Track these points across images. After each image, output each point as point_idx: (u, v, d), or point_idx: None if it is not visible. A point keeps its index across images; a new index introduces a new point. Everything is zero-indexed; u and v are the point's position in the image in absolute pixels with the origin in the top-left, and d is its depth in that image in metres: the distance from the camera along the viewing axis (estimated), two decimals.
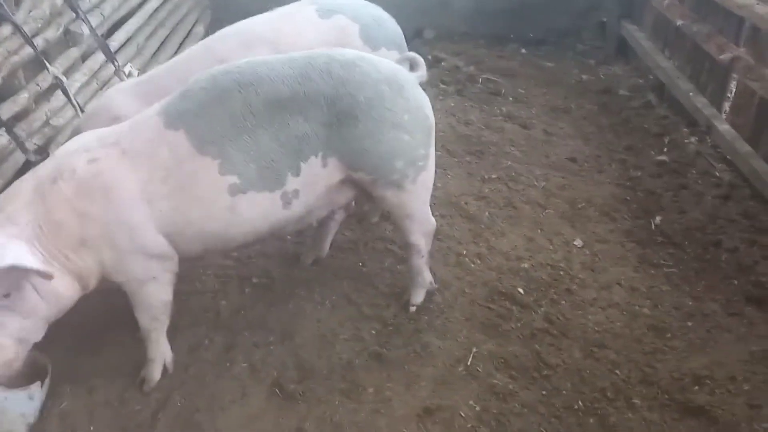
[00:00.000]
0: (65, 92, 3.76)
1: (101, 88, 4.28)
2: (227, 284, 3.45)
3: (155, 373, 2.89)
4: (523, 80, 5.64)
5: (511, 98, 5.26)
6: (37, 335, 2.44)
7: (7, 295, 2.24)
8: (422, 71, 2.97)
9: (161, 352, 2.90)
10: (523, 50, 6.45)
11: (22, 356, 2.42)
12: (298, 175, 2.61)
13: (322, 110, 2.56)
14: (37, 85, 3.68)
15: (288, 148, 2.55)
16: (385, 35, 3.41)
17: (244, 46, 3.23)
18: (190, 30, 6.20)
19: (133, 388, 2.90)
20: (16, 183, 2.50)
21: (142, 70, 4.85)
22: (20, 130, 3.45)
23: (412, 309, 3.12)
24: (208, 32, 6.57)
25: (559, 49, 6.47)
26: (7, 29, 3.36)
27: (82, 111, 3.87)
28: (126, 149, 2.47)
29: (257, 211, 2.61)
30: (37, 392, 2.72)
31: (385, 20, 3.47)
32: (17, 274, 2.27)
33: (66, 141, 3.76)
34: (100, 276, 2.56)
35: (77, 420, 2.79)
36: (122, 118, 3.01)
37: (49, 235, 2.37)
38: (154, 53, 5.27)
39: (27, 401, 2.71)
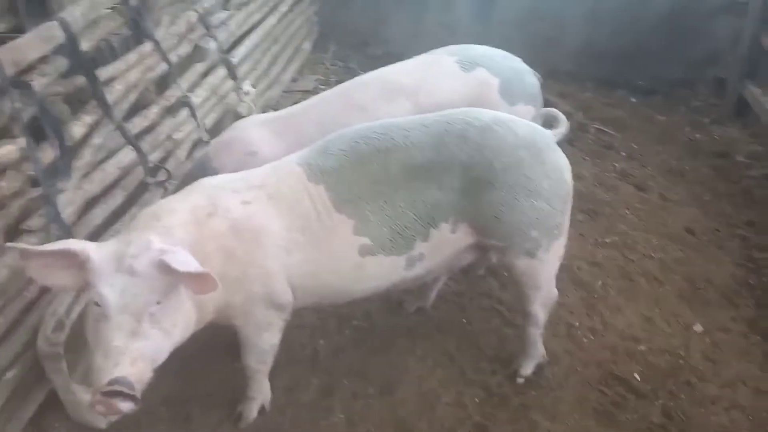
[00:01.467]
0: (191, 109, 3.79)
1: (219, 103, 4.31)
2: (326, 322, 3.39)
3: (253, 412, 2.86)
4: (635, 134, 5.39)
5: (624, 153, 5.03)
6: (161, 359, 2.25)
7: (158, 303, 2.12)
8: (562, 128, 2.84)
9: (262, 392, 2.86)
10: (633, 99, 6.19)
11: (146, 379, 2.17)
12: (426, 240, 2.54)
13: (457, 177, 2.49)
14: (166, 100, 3.72)
15: (420, 214, 2.50)
16: (524, 90, 3.29)
17: (383, 95, 3.17)
18: (298, 46, 6.22)
19: (229, 423, 2.88)
20: (168, 200, 2.48)
21: (256, 86, 4.88)
22: (145, 143, 3.49)
23: (520, 380, 2.97)
24: (315, 48, 6.64)
25: (671, 101, 6.15)
26: (148, 46, 3.40)
27: (204, 128, 3.90)
28: (272, 195, 2.44)
29: (381, 272, 2.57)
30: None
31: (524, 73, 3.34)
32: (175, 285, 2.16)
33: (185, 155, 3.85)
34: (218, 313, 2.52)
35: None
36: (257, 154, 3.00)
37: None
38: (266, 69, 5.30)
39: None
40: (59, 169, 2.59)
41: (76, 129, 2.77)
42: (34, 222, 2.54)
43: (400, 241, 2.51)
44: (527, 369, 2.97)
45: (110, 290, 2.05)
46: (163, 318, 2.15)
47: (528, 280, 2.73)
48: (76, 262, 2.10)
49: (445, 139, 2.50)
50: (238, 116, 4.51)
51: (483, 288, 3.57)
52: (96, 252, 2.10)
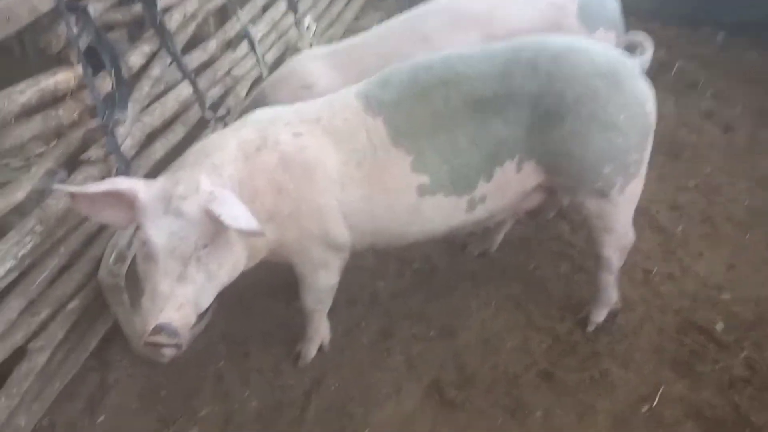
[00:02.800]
0: (251, 42, 3.68)
1: (279, 40, 4.19)
2: (386, 264, 3.30)
3: (311, 351, 2.82)
4: (721, 72, 4.97)
5: (709, 93, 4.65)
6: (207, 302, 2.20)
7: (205, 246, 2.07)
8: (648, 55, 2.59)
9: (320, 332, 2.82)
10: (719, 37, 5.70)
11: (191, 323, 2.14)
12: (489, 180, 2.38)
13: (525, 110, 2.30)
14: (226, 33, 3.62)
15: (484, 151, 2.33)
16: (605, 14, 3.02)
17: (451, 25, 2.97)
18: None
19: (288, 361, 2.85)
20: (218, 134, 2.40)
21: (318, 23, 4.72)
22: (204, 79, 3.41)
23: (591, 328, 2.80)
24: None
25: (760, 39, 5.64)
26: None
27: (263, 64, 3.79)
28: (327, 127, 2.31)
29: (440, 214, 2.42)
30: None
31: None
32: (223, 229, 2.09)
33: (244, 93, 3.77)
34: (272, 252, 2.45)
35: (232, 383, 2.79)
36: (313, 87, 2.88)
37: (245, 200, 2.15)
38: (327, 6, 5.13)
39: None
40: (116, 100, 2.53)
41: (134, 58, 2.71)
42: (94, 153, 2.51)
43: (461, 180, 2.36)
44: (599, 316, 2.80)
45: (157, 233, 2.00)
46: (210, 261, 2.10)
47: (600, 222, 2.53)
48: (126, 201, 2.06)
49: (512, 68, 2.30)
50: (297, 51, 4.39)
51: (552, 231, 3.38)
52: (144, 191, 2.05)
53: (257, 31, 3.89)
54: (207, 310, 2.40)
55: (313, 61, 3.04)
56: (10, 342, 2.21)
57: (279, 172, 2.24)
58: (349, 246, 2.49)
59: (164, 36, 2.85)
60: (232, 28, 3.61)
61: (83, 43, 2.37)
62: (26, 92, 2.11)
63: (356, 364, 2.79)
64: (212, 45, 3.46)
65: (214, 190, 2.06)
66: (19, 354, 2.32)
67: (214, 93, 3.52)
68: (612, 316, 2.83)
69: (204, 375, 2.84)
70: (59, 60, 2.29)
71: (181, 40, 3.14)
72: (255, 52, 3.74)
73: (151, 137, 3.01)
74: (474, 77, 2.30)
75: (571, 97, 2.27)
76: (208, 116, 3.28)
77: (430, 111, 2.31)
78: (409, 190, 2.34)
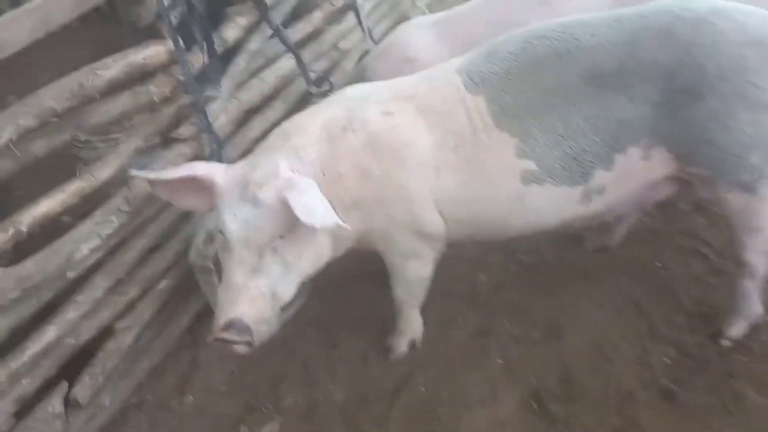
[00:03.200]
0: (357, 14, 3.51)
1: (392, 10, 3.99)
2: (489, 255, 3.03)
3: (402, 346, 2.65)
4: None
5: None
6: (288, 295, 2.09)
7: (282, 237, 1.97)
8: None
9: (412, 326, 2.63)
10: None
11: (273, 318, 2.05)
12: (609, 169, 2.05)
13: (655, 87, 1.94)
14: (332, 4, 3.47)
15: (603, 134, 2.01)
16: None
17: None
18: None
19: (377, 351, 2.70)
20: (302, 115, 2.26)
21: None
22: (307, 52, 3.29)
23: (726, 343, 2.39)
24: None
25: None
26: None
27: (371, 37, 3.61)
28: (421, 106, 2.11)
29: (548, 205, 2.14)
30: None
31: None
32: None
33: (352, 67, 3.60)
34: (358, 240, 2.29)
35: (318, 373, 2.68)
36: (416, 60, 2.67)
37: (328, 185, 2.04)
38: None
39: None
40: (209, 76, 2.45)
41: (230, 32, 2.62)
42: (185, 130, 2.45)
43: (575, 168, 2.05)
44: (737, 330, 2.37)
45: (233, 220, 1.91)
46: (288, 252, 1.98)
47: (743, 221, 2.13)
48: (205, 186, 1.98)
49: (642, 36, 1.95)
50: None
51: (685, 226, 2.94)
52: (222, 176, 1.98)
53: (367, 1, 3.71)
54: (297, 297, 2.29)
55: (416, 32, 2.81)
56: (96, 321, 2.21)
57: (365, 154, 2.08)
58: (444, 236, 2.27)
59: (263, 7, 2.73)
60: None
61: (175, 15, 2.28)
62: (113, 67, 2.06)
63: (449, 362, 2.58)
64: (317, 17, 3.33)
65: (294, 177, 1.92)
66: (107, 333, 2.33)
67: (319, 67, 3.39)
68: (754, 331, 2.39)
69: (291, 361, 2.75)
70: (151, 33, 2.23)
71: (283, 11, 3.02)
72: (360, 23, 3.56)
73: (248, 114, 2.94)
74: (595, 47, 1.98)
75: (713, 70, 1.89)
76: (313, 91, 3.16)
77: (541, 87, 2.02)
78: (513, 177, 2.08)
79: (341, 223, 1.84)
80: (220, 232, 1.95)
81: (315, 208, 1.83)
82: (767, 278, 2.29)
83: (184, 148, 2.44)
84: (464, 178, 2.10)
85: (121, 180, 2.20)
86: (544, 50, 2.02)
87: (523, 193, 2.11)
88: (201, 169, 1.99)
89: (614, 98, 1.98)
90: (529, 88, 2.03)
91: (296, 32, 3.15)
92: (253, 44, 2.79)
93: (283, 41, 2.83)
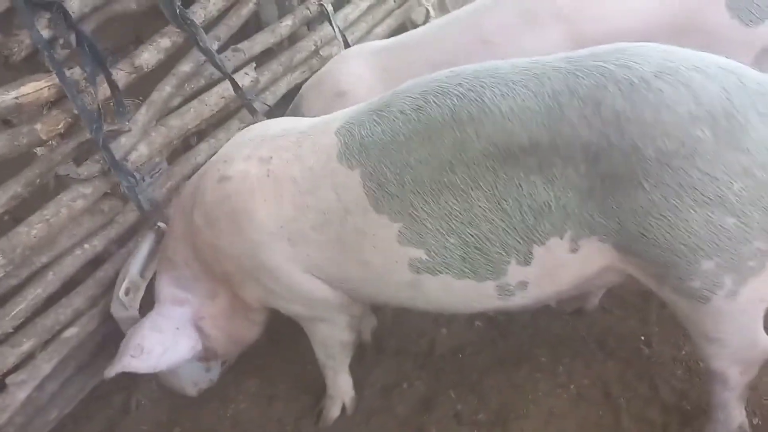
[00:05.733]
0: (328, 18, 3.16)
1: (400, 7, 3.60)
2: None
3: (332, 412, 2.37)
4: None
5: None
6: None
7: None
8: None
9: (341, 391, 2.35)
10: None
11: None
12: (528, 263, 1.62)
13: (577, 168, 1.49)
14: (308, 9, 3.14)
15: (515, 223, 1.58)
16: None
17: (523, 20, 2.17)
18: None
19: (311, 416, 2.41)
20: (172, 205, 2.22)
21: None
22: (283, 60, 3.00)
23: None
24: None
25: None
26: None
27: (346, 42, 3.26)
28: (274, 172, 1.77)
29: (453, 298, 1.76)
30: (214, 368, 2.61)
31: None
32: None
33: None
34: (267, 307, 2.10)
35: (249, 428, 2.43)
36: (347, 94, 2.34)
37: (202, 274, 2.06)
38: None
39: (203, 372, 2.59)
40: (115, 108, 2.21)
41: (146, 56, 2.35)
42: (86, 169, 2.22)
43: (480, 260, 1.64)
44: None
45: None
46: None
47: (698, 329, 1.66)
48: None
49: (565, 103, 1.48)
50: (414, 24, 3.77)
51: None
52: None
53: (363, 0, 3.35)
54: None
55: (353, 62, 2.46)
56: None
57: (207, 228, 1.87)
58: (345, 301, 1.96)
59: (191, 29, 2.43)
60: (313, 4, 3.10)
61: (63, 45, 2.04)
62: None
63: None
64: (286, 25, 3.01)
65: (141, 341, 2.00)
66: None
67: (293, 79, 3.09)
68: None
69: (222, 416, 2.53)
70: (32, 68, 2.00)
71: (231, 26, 2.72)
72: (334, 29, 3.19)
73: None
74: (506, 114, 1.52)
75: (652, 154, 1.42)
76: (255, 118, 2.85)
77: (435, 162, 1.60)
78: (400, 265, 1.71)
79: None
80: None
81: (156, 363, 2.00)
82: (747, 387, 1.80)
83: (85, 189, 2.21)
84: (336, 258, 1.77)
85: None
86: (442, 113, 1.58)
87: (416, 283, 1.73)
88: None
89: (528, 180, 1.53)
90: (419, 161, 1.60)
91: (256, 46, 2.84)
92: (185, 66, 2.50)
93: (214, 64, 2.53)
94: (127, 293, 2.31)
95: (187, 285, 2.11)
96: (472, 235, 1.61)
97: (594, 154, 1.46)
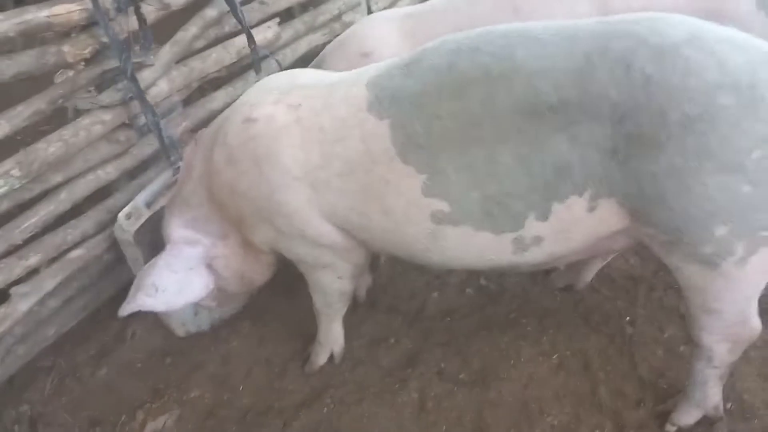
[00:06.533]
0: None
1: None
2: (451, 272, 2.72)
3: (319, 358, 2.44)
4: None
5: None
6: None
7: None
8: None
9: (331, 339, 2.42)
10: None
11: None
12: (545, 219, 1.67)
13: (604, 128, 1.53)
14: None
15: (537, 179, 1.62)
16: None
17: None
18: None
19: (299, 360, 2.49)
20: (189, 147, 2.21)
21: None
22: (301, 22, 3.04)
23: (670, 429, 1.99)
24: None
25: None
26: None
27: (370, 11, 3.30)
28: (303, 118, 1.82)
29: (470, 250, 1.79)
30: (202, 312, 2.64)
31: None
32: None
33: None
34: (274, 251, 2.18)
35: (235, 370, 2.53)
36: (371, 56, 2.40)
37: (215, 215, 2.11)
38: None
39: (191, 315, 2.65)
40: (140, 41, 2.27)
41: None
42: (107, 96, 2.28)
43: (499, 213, 1.68)
44: (686, 417, 1.95)
45: None
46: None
47: (701, 299, 1.70)
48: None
49: (595, 64, 1.52)
50: None
51: (672, 278, 2.46)
52: None
53: None
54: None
55: (378, 25, 2.50)
56: None
57: (227, 169, 1.93)
58: (351, 248, 2.01)
59: None
60: None
61: None
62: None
63: (363, 387, 2.33)
64: None
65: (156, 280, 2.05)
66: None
67: (314, 40, 3.13)
68: (708, 424, 1.97)
69: (213, 353, 2.62)
70: None
71: None
72: None
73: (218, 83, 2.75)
74: (536, 72, 1.56)
75: (676, 117, 1.46)
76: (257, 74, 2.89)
77: (464, 116, 1.64)
78: (421, 215, 1.75)
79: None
80: None
81: (171, 301, 2.09)
82: (729, 367, 1.86)
83: (105, 115, 2.28)
84: (357, 206, 1.81)
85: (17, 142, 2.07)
86: (474, 68, 1.62)
87: (436, 233, 1.77)
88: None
89: (553, 138, 1.58)
90: (449, 115, 1.64)
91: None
92: (211, 11, 2.56)
93: (235, 15, 2.58)
94: (128, 217, 2.36)
95: (200, 226, 2.14)
96: (493, 190, 1.66)
97: (620, 115, 1.50)
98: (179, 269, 2.09)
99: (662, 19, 1.57)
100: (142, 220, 2.39)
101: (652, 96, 1.47)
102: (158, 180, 2.46)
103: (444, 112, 1.65)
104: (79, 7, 2.06)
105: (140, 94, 2.31)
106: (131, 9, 2.20)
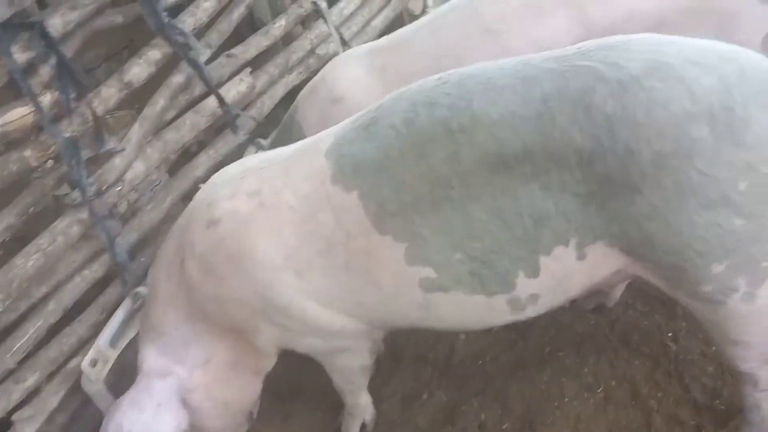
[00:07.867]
0: (322, 15, 3.05)
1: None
2: None
3: (352, 430, 2.28)
4: None
5: None
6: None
7: None
8: None
9: (361, 410, 2.27)
10: None
11: None
12: (536, 275, 1.54)
13: (572, 173, 1.41)
14: (301, 7, 3.04)
15: (516, 232, 1.49)
16: None
17: (528, 6, 2.05)
18: None
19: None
20: (152, 268, 1.99)
21: None
22: (273, 65, 2.89)
23: None
24: None
25: None
26: None
27: (343, 41, 3.14)
28: (266, 202, 1.68)
29: (465, 314, 1.68)
30: None
31: None
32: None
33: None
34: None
35: None
36: (344, 100, 2.24)
37: (195, 336, 1.90)
38: None
39: None
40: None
41: (136, 70, 2.25)
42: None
43: (487, 274, 1.56)
44: None
45: None
46: None
47: (719, 332, 1.57)
48: None
49: (554, 107, 1.39)
50: (412, 17, 3.65)
51: None
52: None
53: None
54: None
55: (347, 67, 2.35)
56: None
57: (206, 281, 1.77)
58: (361, 329, 1.85)
59: (181, 46, 2.33)
60: (307, 1, 2.99)
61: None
62: None
63: None
64: (279, 25, 2.90)
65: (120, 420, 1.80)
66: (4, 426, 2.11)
67: (290, 81, 2.98)
68: None
69: None
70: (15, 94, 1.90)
71: (221, 31, 2.62)
72: (327, 25, 3.07)
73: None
74: (496, 122, 1.43)
75: (648, 156, 1.33)
76: (235, 134, 2.74)
77: (429, 177, 1.52)
78: (410, 284, 1.62)
79: None
80: None
81: None
82: None
83: (81, 213, 2.12)
84: (345, 283, 1.68)
85: None
86: (433, 125, 1.49)
87: (429, 301, 1.65)
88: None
89: (525, 188, 1.45)
90: (415, 178, 1.52)
91: (251, 49, 2.74)
92: (178, 77, 2.40)
93: (202, 78, 2.42)
94: (93, 365, 2.16)
95: (176, 352, 1.91)
96: (476, 249, 1.53)
97: (588, 159, 1.38)
98: (147, 407, 1.83)
99: (617, 47, 1.43)
100: (110, 365, 2.18)
101: (617, 136, 1.34)
102: (118, 313, 2.26)
103: (409, 175, 1.54)
104: (32, 110, 1.90)
105: (91, 207, 2.13)
106: (89, 97, 2.03)
